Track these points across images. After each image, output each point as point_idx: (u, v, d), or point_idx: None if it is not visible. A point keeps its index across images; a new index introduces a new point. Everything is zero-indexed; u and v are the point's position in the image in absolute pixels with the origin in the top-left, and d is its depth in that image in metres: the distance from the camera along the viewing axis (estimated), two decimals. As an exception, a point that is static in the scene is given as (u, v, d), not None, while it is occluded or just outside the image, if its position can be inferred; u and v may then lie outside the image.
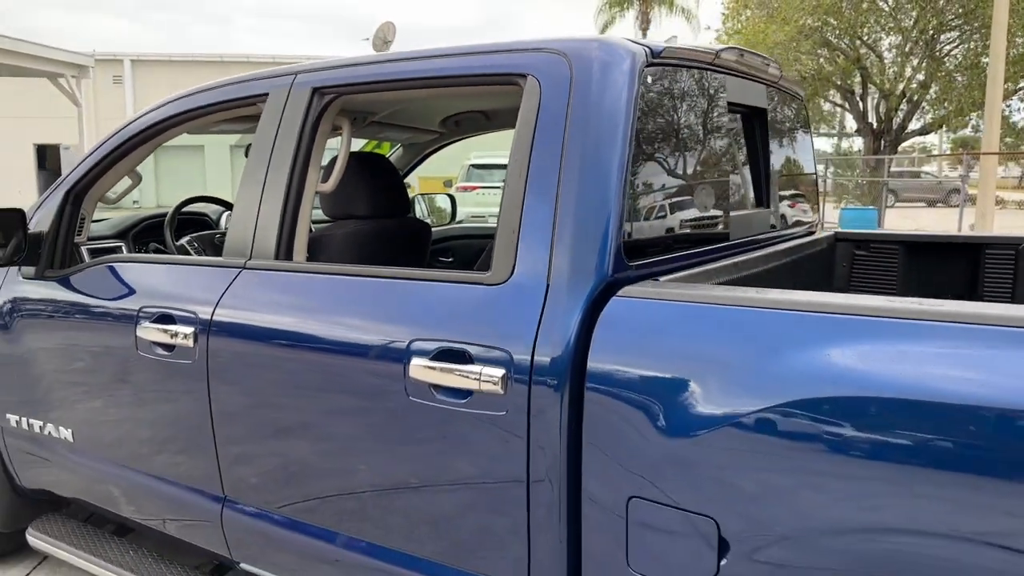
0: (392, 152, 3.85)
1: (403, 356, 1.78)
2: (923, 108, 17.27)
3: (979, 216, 13.54)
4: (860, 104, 17.89)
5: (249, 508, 2.19)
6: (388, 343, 1.82)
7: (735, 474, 1.38)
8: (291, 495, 2.09)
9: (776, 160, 2.52)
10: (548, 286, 1.66)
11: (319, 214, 3.08)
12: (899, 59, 16.23)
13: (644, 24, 38.08)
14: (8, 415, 2.76)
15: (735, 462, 1.38)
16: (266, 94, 2.27)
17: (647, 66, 1.78)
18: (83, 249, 2.72)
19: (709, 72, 2.09)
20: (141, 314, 2.29)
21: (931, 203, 27.92)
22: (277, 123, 2.20)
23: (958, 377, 1.23)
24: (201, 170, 26.99)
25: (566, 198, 1.68)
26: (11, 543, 3.05)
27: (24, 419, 2.72)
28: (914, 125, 18.06)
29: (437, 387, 1.73)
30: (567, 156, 1.70)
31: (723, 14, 17.74)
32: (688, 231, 2.02)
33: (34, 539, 2.79)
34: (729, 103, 2.17)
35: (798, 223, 2.78)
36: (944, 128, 19.24)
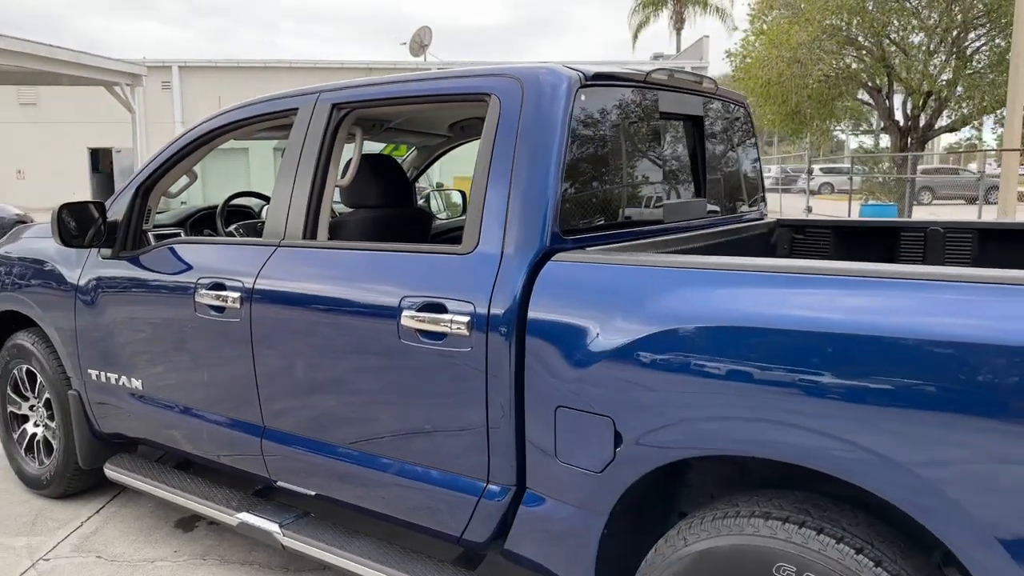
0: (408, 154, 4.42)
1: (396, 310, 2.34)
2: (950, 105, 17.36)
3: (1000, 212, 13.69)
4: (887, 102, 18.05)
5: (282, 435, 2.77)
6: (386, 300, 2.39)
7: (624, 385, 1.91)
8: (314, 422, 2.66)
9: (713, 157, 3.03)
10: (502, 255, 2.21)
11: (340, 207, 3.67)
12: (923, 57, 16.36)
13: (678, 23, 38.23)
14: (90, 370, 3.39)
15: (624, 376, 1.91)
16: (296, 108, 2.85)
17: (581, 87, 2.31)
18: (149, 234, 3.33)
19: (643, 88, 2.61)
20: (198, 284, 2.89)
21: (970, 200, 27.79)
22: (305, 131, 2.78)
23: (782, 311, 1.75)
24: (246, 171, 27.90)
25: (516, 188, 2.23)
26: (91, 479, 3.71)
27: (103, 373, 3.35)
28: (942, 122, 18.15)
29: (421, 332, 2.29)
30: (517, 156, 2.24)
31: (749, 15, 18.03)
32: (620, 214, 2.54)
33: (111, 472, 3.43)
34: (662, 112, 2.69)
35: (740, 211, 3.28)
36: (969, 126, 19.27)
